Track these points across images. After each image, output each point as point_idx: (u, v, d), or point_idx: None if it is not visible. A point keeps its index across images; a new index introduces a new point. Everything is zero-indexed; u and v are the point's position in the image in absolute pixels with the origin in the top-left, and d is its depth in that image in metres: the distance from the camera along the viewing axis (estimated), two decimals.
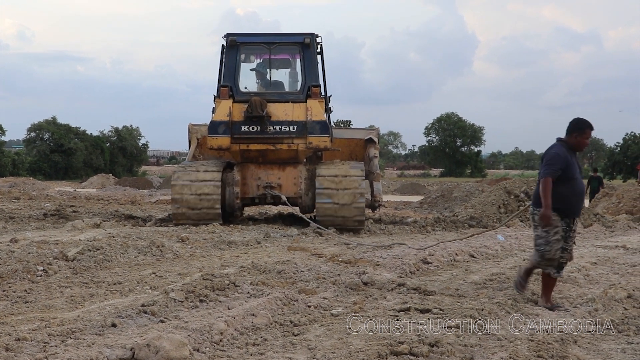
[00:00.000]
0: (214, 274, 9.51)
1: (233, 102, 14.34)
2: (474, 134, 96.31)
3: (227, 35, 14.66)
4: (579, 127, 8.66)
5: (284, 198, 14.54)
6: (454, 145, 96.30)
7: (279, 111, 14.28)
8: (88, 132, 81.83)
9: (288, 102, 14.65)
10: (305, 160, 15.17)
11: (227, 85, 14.48)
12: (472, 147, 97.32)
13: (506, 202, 22.53)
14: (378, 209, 17.78)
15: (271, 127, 14.11)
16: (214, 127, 14.21)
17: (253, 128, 14.09)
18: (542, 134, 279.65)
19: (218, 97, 14.64)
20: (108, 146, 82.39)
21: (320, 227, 13.89)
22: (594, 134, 8.74)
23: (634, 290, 9.76)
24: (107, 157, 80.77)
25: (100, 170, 68.10)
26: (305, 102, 14.52)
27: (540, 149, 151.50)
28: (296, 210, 15.08)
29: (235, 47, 14.57)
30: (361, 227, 14.65)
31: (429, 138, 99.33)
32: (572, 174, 8.57)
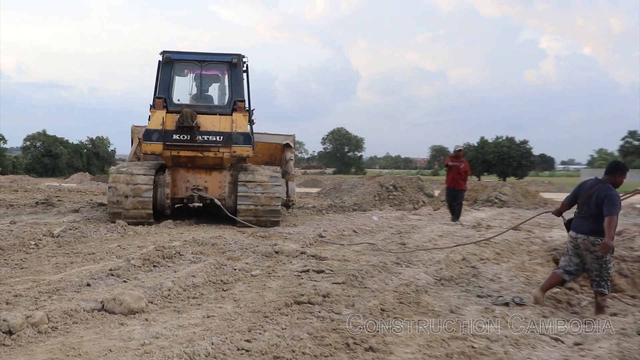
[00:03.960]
0: (164, 246, 9.49)
1: (166, 113, 13.21)
2: (357, 143, 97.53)
3: (163, 53, 13.60)
4: (623, 170, 7.92)
5: (216, 201, 13.51)
6: (342, 151, 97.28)
7: (207, 122, 13.21)
8: (70, 141, 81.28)
9: (216, 114, 13.52)
10: (229, 165, 14.06)
11: (162, 97, 13.33)
12: (356, 153, 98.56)
13: (379, 192, 23.04)
14: (292, 207, 16.79)
15: (200, 137, 13.06)
16: (148, 135, 13.00)
17: (183, 137, 13.01)
18: (406, 143, 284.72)
19: (153, 107, 13.44)
20: (85, 152, 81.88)
21: (245, 223, 13.01)
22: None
23: (467, 254, 10.19)
24: (85, 160, 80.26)
25: (80, 170, 67.46)
26: (231, 115, 13.47)
27: (405, 154, 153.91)
28: (224, 209, 13.75)
29: (170, 63, 13.56)
30: (277, 225, 13.59)
31: (325, 146, 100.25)
32: None
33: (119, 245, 10.07)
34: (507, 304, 7.44)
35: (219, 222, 13.49)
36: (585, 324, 7.28)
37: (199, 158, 13.30)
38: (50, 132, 79.93)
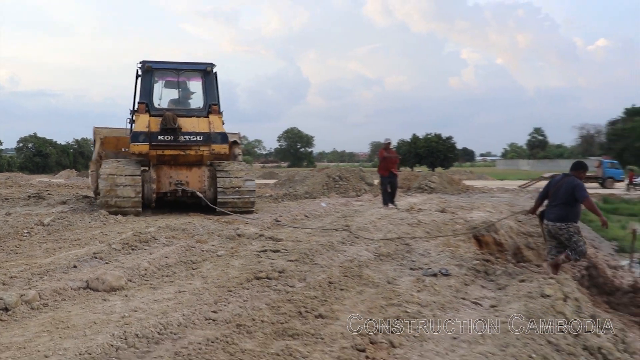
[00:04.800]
0: (141, 232, 9.37)
1: (150, 116, 12.89)
2: (308, 140, 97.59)
3: (144, 62, 13.19)
4: (585, 167, 8.40)
5: (198, 193, 13.15)
6: (295, 147, 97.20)
7: (187, 124, 12.93)
8: (58, 142, 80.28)
9: (194, 117, 13.26)
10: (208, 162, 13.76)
11: (144, 102, 13.03)
12: (307, 149, 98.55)
13: (327, 182, 23.12)
14: None
15: (182, 137, 12.76)
16: (135, 136, 12.64)
17: (167, 137, 12.69)
18: (350, 140, 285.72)
19: (136, 112, 13.13)
20: (72, 151, 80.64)
21: (225, 211, 12.76)
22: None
23: (402, 234, 10.32)
24: (72, 159, 79.03)
25: (67, 167, 66.32)
26: (208, 117, 13.26)
27: (349, 149, 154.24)
28: (206, 200, 13.33)
29: (150, 72, 13.18)
30: (251, 212, 13.41)
31: (280, 143, 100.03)
32: None
33: (101, 232, 9.92)
34: (435, 275, 7.58)
35: (189, 211, 13.37)
36: (499, 289, 7.48)
37: (181, 156, 13.08)
38: (40, 135, 79.11)
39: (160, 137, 12.71)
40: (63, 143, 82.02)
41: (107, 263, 7.44)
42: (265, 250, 8.34)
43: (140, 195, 12.60)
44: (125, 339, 4.57)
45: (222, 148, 13.23)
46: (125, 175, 12.50)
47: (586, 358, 5.47)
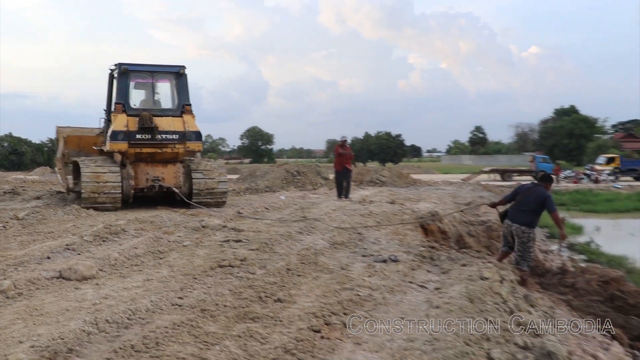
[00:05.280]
0: (111, 224, 9.22)
1: (127, 116, 12.54)
2: (268, 138, 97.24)
3: (120, 65, 12.78)
4: (551, 180, 8.77)
5: (174, 189, 12.81)
6: (257, 145, 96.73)
7: (163, 123, 12.67)
8: (33, 141, 78.15)
9: (168, 116, 12.97)
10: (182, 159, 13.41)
11: (121, 102, 12.62)
12: (268, 146, 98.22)
13: (286, 177, 23.06)
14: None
15: (159, 136, 12.51)
16: (115, 135, 12.33)
17: (145, 136, 12.42)
18: (307, 138, 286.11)
19: (113, 112, 12.70)
20: (46, 150, 78.66)
21: (199, 206, 12.54)
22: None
23: (355, 224, 10.42)
24: (46, 157, 76.81)
25: (41, 165, 64.61)
26: (182, 116, 12.99)
27: (307, 146, 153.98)
28: (181, 195, 12.97)
29: (126, 74, 12.80)
30: (224, 205, 13.30)
31: (242, 141, 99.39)
32: None
33: (74, 225, 9.72)
34: (384, 261, 7.68)
35: (156, 204, 13.17)
36: (443, 273, 7.62)
37: (158, 153, 12.84)
38: (15, 134, 76.78)
39: (138, 136, 12.48)
40: (38, 142, 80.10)
41: (79, 254, 7.31)
42: (228, 241, 8.31)
43: (121, 191, 12.37)
44: (97, 325, 4.52)
45: (196, 146, 13.08)
46: (108, 174, 12.25)
47: (520, 333, 5.63)
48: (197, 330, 4.50)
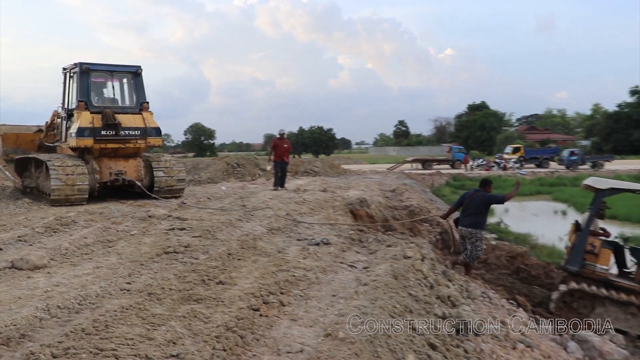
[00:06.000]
0: (62, 216, 8.92)
1: (90, 113, 12.07)
2: (210, 134, 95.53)
3: (81, 64, 12.29)
4: (490, 184, 9.00)
5: (136, 182, 12.47)
6: (199, 140, 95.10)
7: (125, 120, 12.34)
8: None
9: (128, 113, 12.63)
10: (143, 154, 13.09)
11: (84, 100, 12.12)
12: (210, 141, 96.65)
13: (227, 169, 22.83)
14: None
15: (122, 132, 12.18)
16: (81, 132, 11.85)
17: (110, 132, 12.06)
18: (246, 133, 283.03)
19: (76, 109, 12.18)
20: None
21: (158, 198, 12.37)
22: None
23: (287, 212, 10.47)
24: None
25: None
26: (141, 113, 12.72)
27: (246, 141, 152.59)
28: (143, 188, 12.61)
29: (87, 72, 12.30)
30: (182, 195, 13.14)
31: (186, 136, 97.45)
32: None
33: (25, 218, 9.34)
34: (318, 244, 7.80)
35: (106, 197, 12.78)
36: (371, 253, 7.81)
37: (121, 149, 12.51)
38: None
39: (103, 132, 12.10)
40: None
41: (31, 245, 7.07)
42: (173, 229, 8.22)
43: (87, 189, 11.91)
44: (48, 310, 4.43)
45: (156, 141, 12.86)
46: (76, 170, 11.83)
47: (439, 305, 5.88)
48: (144, 312, 4.47)
